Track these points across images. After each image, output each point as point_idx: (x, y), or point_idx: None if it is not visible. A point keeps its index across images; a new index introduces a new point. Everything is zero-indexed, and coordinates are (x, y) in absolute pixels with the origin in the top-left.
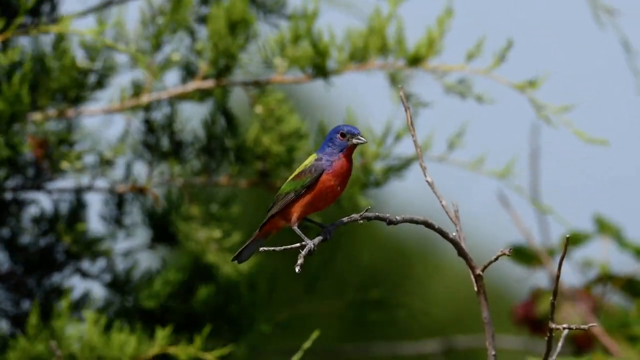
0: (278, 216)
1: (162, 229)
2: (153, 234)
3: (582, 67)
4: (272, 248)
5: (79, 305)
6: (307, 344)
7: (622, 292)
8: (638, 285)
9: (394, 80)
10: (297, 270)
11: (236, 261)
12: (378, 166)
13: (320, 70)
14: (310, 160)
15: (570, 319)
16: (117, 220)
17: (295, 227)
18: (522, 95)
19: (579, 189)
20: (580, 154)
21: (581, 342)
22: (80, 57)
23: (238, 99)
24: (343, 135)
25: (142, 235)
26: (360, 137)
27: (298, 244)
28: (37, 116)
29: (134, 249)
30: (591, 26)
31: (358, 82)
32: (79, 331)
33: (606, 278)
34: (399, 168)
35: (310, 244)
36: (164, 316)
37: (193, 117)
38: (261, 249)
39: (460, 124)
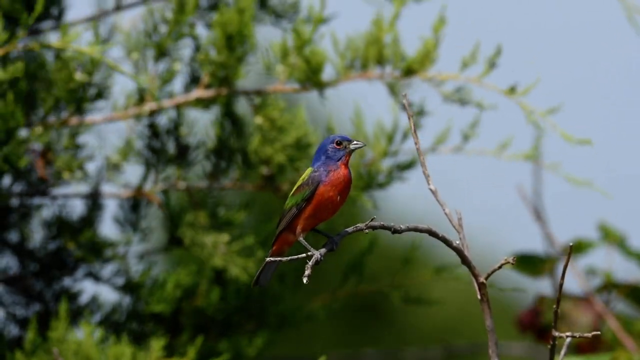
0: (286, 232)
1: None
2: (169, 237)
3: (580, 69)
4: (279, 258)
5: (87, 309)
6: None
7: (627, 301)
8: None
9: (393, 89)
10: (304, 281)
11: (257, 286)
12: (385, 164)
13: (315, 84)
14: (307, 173)
15: (575, 327)
16: (132, 223)
17: (301, 239)
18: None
19: (583, 196)
20: (584, 158)
21: (585, 349)
22: (78, 71)
23: (242, 105)
24: (339, 143)
25: (157, 238)
26: (357, 142)
27: (304, 255)
28: (38, 127)
29: (149, 251)
30: (596, 28)
31: (359, 92)
32: (75, 343)
33: (610, 286)
34: (404, 167)
35: (317, 254)
36: (176, 319)
37: (199, 121)
38: (267, 259)
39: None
